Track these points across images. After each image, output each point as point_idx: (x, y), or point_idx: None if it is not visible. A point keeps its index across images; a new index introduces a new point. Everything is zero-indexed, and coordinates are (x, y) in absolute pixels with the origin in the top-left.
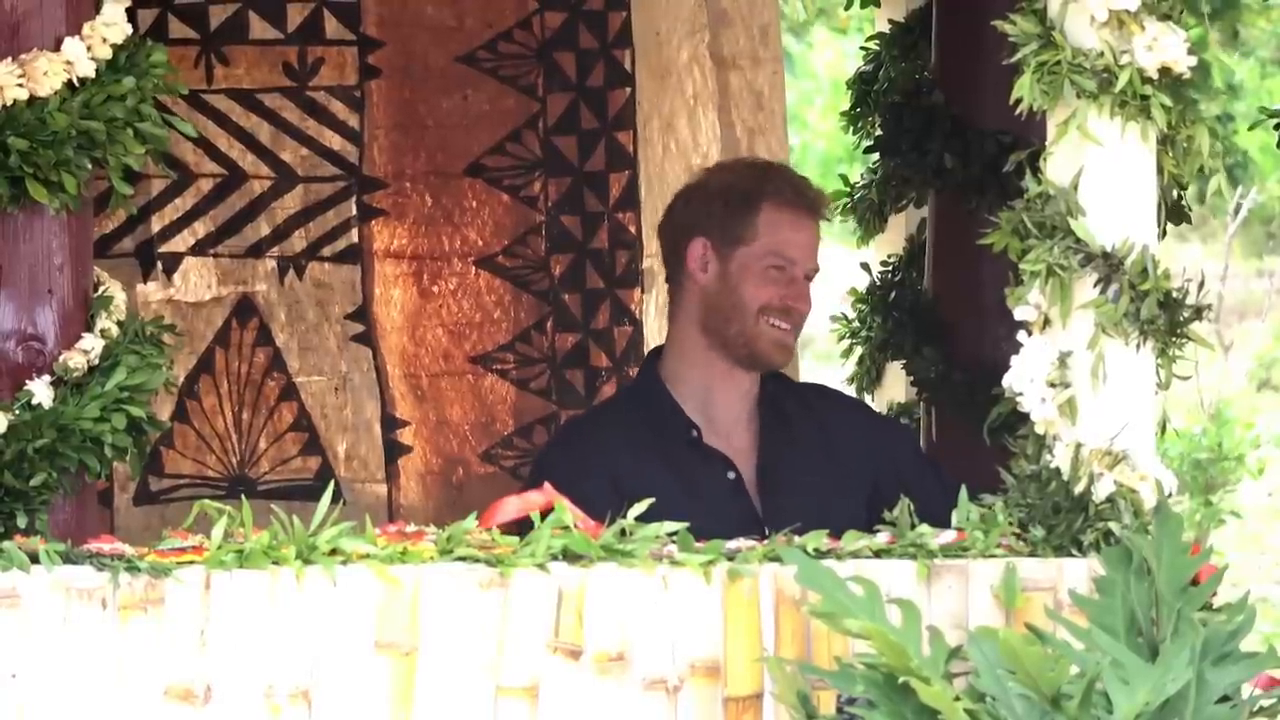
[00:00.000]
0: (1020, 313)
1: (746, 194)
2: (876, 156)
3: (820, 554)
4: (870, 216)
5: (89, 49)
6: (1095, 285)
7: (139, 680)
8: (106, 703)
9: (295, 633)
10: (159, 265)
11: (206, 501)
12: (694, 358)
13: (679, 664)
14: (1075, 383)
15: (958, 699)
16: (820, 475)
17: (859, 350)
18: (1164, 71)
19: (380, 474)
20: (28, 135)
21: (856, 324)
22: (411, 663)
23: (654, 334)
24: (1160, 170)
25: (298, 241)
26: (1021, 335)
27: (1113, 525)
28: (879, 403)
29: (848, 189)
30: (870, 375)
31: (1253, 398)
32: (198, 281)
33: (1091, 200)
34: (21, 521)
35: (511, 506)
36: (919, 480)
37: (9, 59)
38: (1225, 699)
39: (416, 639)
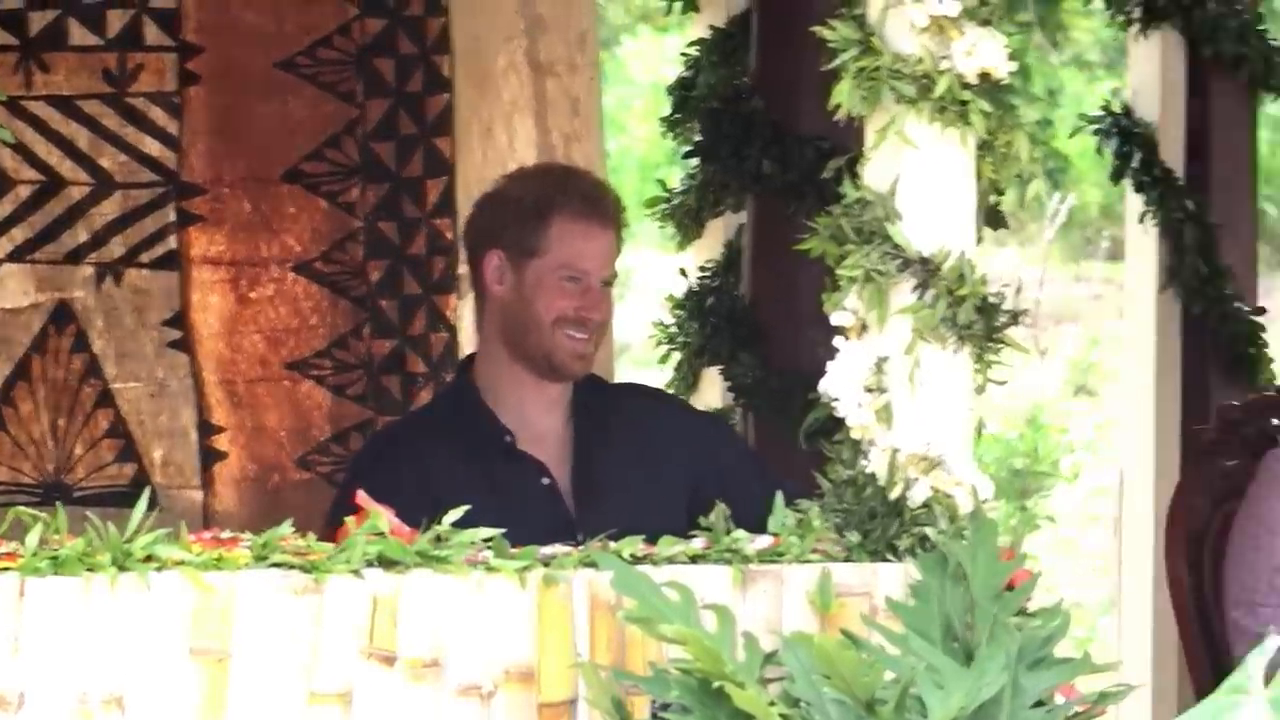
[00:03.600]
0: (837, 318)
1: (537, 206)
2: (695, 162)
3: (636, 559)
4: (688, 222)
5: None
6: (913, 291)
7: None
8: None
9: (109, 639)
10: None
11: (21, 508)
12: (501, 366)
13: (493, 670)
14: (892, 388)
15: (772, 704)
16: (637, 478)
17: (676, 356)
18: (983, 77)
19: (196, 480)
20: None
21: (674, 329)
22: (225, 669)
23: (469, 340)
24: (978, 176)
25: (116, 248)
26: (838, 340)
27: (928, 530)
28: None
29: (666, 194)
30: (687, 381)
31: (1068, 402)
32: (15, 288)
33: (909, 206)
34: None
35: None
36: (741, 480)
37: None
38: (1040, 704)
39: (230, 645)
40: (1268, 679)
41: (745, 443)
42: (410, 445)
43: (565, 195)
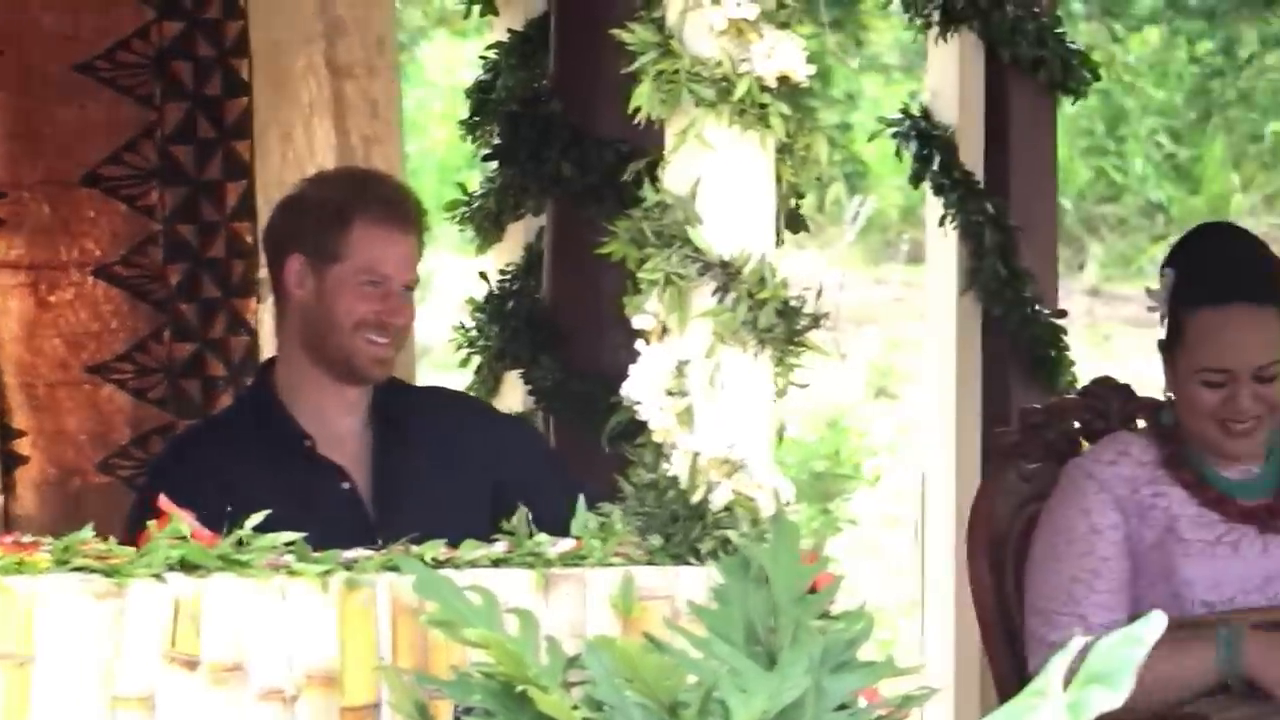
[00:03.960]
0: (638, 321)
1: (339, 210)
2: (495, 165)
3: (438, 563)
4: (488, 225)
5: None
6: (713, 294)
7: None
8: None
9: None
10: None
11: None
12: (301, 370)
13: (295, 674)
14: (693, 391)
15: (575, 708)
16: (439, 481)
17: (476, 359)
18: (782, 80)
19: None
20: None
21: (474, 333)
22: (26, 674)
23: (269, 343)
24: (778, 179)
25: None
26: (640, 344)
27: (730, 534)
28: None
29: (465, 197)
30: (488, 384)
31: (869, 405)
32: None
33: (709, 209)
34: None
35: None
36: (545, 483)
37: None
38: (843, 707)
39: (31, 650)
40: (1067, 682)
41: (549, 445)
42: (209, 449)
43: (366, 199)
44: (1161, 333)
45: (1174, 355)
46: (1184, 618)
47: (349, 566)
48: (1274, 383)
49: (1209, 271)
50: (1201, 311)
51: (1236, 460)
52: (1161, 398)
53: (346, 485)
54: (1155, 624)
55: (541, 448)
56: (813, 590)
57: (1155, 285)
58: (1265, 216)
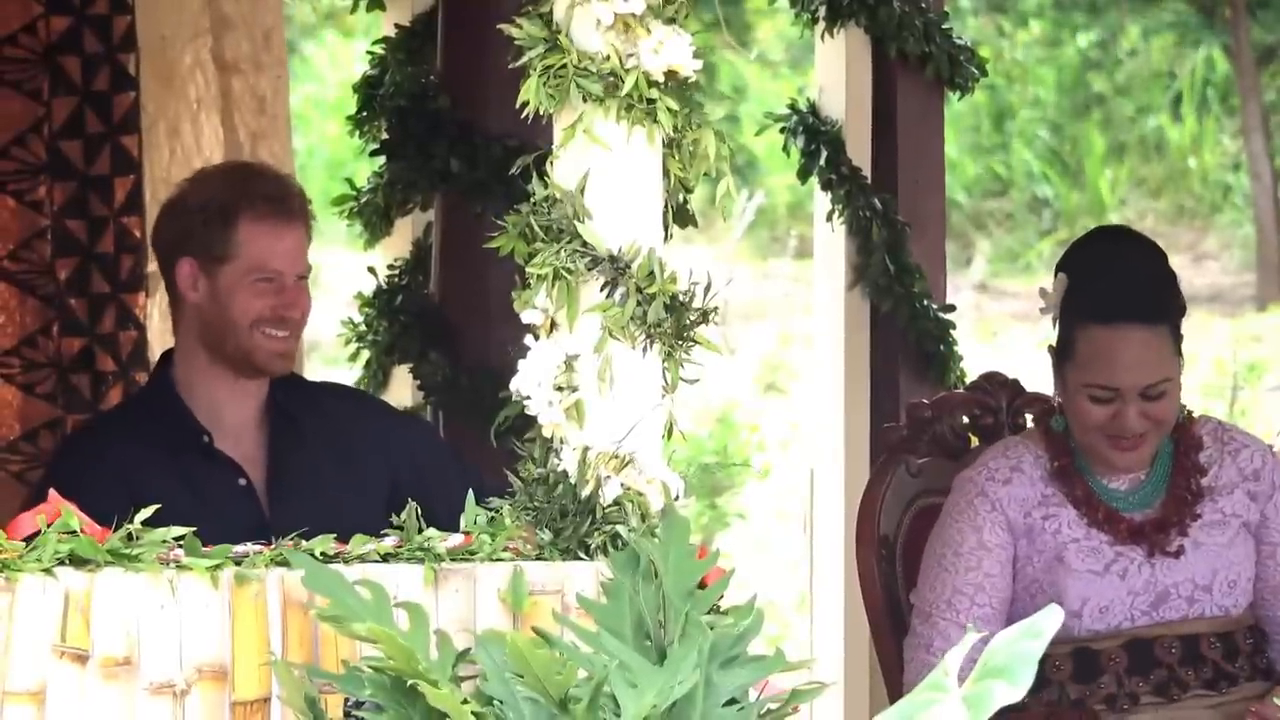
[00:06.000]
0: (527, 316)
1: (223, 210)
2: (383, 160)
3: (328, 558)
4: (376, 220)
5: None
6: (602, 289)
7: None
8: None
9: None
10: None
11: None
12: (200, 367)
13: (186, 668)
14: (583, 386)
15: (465, 702)
16: (333, 476)
17: (365, 354)
18: (670, 75)
19: None
20: None
21: (363, 328)
22: None
23: (158, 338)
24: (667, 173)
25: None
26: (529, 339)
27: (620, 528)
28: None
29: (354, 192)
30: (377, 379)
31: (758, 400)
32: None
33: (598, 204)
34: None
35: (28, 522)
36: (441, 479)
37: None
38: (733, 702)
39: None
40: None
41: (445, 442)
42: (107, 443)
43: (249, 198)
44: (1053, 337)
45: (1063, 366)
46: None
47: (239, 561)
48: (1162, 400)
49: (1101, 287)
50: (1091, 328)
51: (1125, 470)
52: (1049, 393)
53: (243, 481)
54: (1054, 617)
55: (439, 446)
56: (703, 585)
57: (1048, 283)
58: (1136, 202)
